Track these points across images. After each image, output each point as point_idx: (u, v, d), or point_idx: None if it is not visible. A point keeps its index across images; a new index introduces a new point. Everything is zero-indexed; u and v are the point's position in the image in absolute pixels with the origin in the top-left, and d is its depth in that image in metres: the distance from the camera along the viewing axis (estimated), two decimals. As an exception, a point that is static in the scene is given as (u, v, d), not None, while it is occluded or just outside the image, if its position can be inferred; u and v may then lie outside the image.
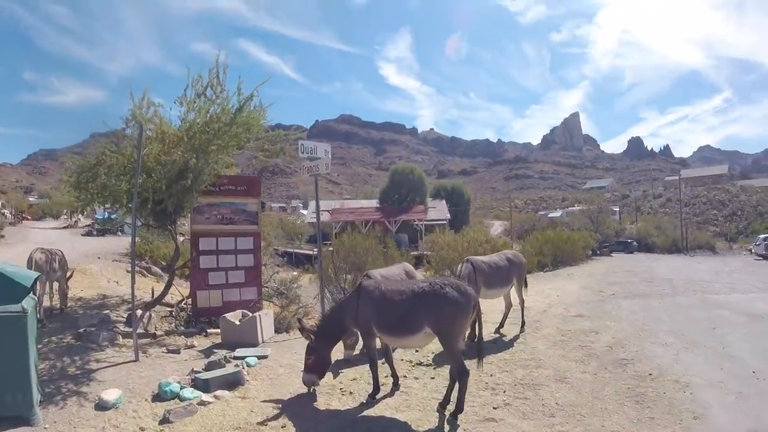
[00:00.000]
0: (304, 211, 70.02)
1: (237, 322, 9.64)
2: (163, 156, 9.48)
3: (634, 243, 52.09)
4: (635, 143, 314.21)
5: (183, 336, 10.01)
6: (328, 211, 49.94)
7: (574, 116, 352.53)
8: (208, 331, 10.46)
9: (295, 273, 17.04)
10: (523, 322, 10.86)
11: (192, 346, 9.23)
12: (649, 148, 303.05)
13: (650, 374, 7.58)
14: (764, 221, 67.80)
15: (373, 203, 58.05)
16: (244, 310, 10.30)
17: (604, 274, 24.97)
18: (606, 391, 6.91)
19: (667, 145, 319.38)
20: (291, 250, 41.01)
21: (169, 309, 11.60)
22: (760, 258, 36.87)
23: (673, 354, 8.80)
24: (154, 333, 9.84)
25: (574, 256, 31.95)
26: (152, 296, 11.45)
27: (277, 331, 10.93)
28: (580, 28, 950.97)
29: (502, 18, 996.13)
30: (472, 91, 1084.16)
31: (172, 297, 12.23)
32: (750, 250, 46.09)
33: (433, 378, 7.55)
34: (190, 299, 11.48)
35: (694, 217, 68.17)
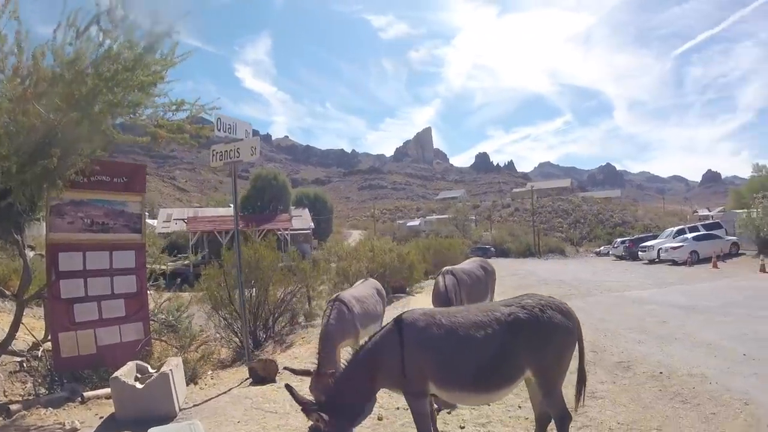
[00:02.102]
0: (153, 221, 65.00)
1: (137, 384, 6.29)
2: (20, 115, 5.89)
3: (492, 249, 56.34)
4: (482, 158, 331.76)
5: (50, 408, 6.51)
6: (183, 219, 46.12)
7: (427, 131, 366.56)
8: (85, 395, 6.95)
9: (168, 294, 13.80)
10: None
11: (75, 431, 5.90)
12: (495, 163, 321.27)
13: (660, 372, 7.37)
14: (605, 228, 79.58)
15: (232, 211, 54.26)
16: (140, 362, 6.98)
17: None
18: (644, 397, 6.42)
19: (512, 160, 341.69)
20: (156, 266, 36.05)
21: (19, 360, 8.08)
22: (618, 259, 41.72)
23: (657, 349, 8.80)
24: (7, 406, 6.31)
25: (456, 262, 30.82)
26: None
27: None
28: (438, 49, 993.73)
29: (364, 32, 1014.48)
30: (329, 101, 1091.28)
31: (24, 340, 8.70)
32: (597, 253, 56.67)
33: (463, 428, 5.54)
34: (49, 344, 7.89)
35: (541, 224, 74.14)
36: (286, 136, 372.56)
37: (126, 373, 6.38)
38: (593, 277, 24.71)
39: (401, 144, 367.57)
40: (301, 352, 9.49)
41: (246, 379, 7.83)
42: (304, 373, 5.21)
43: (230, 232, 40.38)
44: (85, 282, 7.71)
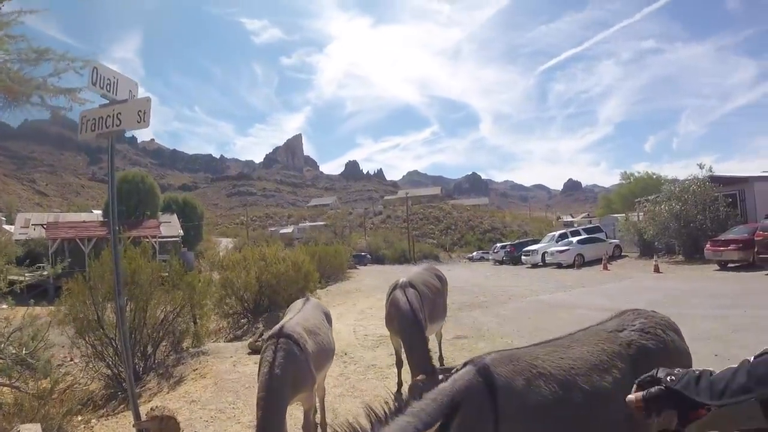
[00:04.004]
0: (9, 227, 58.94)
1: None
2: None
3: (368, 256, 55.95)
4: (352, 166, 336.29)
5: None
6: (42, 225, 41.52)
7: (297, 138, 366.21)
8: None
9: (4, 306, 11.09)
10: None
11: None
12: (365, 171, 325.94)
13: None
14: (475, 233, 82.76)
15: (95, 217, 49.98)
16: None
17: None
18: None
19: (381, 168, 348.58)
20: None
21: None
22: (498, 263, 42.38)
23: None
24: None
25: (342, 269, 31.75)
26: None
27: None
28: (310, 56, 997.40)
29: (237, 35, 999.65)
30: (197, 105, 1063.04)
31: None
32: (470, 258, 59.33)
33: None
34: None
35: (413, 231, 74.11)
36: (152, 140, 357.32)
37: None
38: (487, 282, 24.23)
39: (271, 150, 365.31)
40: (197, 392, 7.35)
41: (133, 442, 5.64)
42: None
43: (93, 239, 37.01)
44: None
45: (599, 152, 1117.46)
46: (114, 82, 5.51)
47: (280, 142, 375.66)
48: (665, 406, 1.44)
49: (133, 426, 5.64)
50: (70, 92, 5.74)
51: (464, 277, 27.72)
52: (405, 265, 49.01)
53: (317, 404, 5.54)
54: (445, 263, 52.78)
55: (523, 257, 35.62)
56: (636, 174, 51.96)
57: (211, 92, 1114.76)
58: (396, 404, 2.29)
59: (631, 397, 1.53)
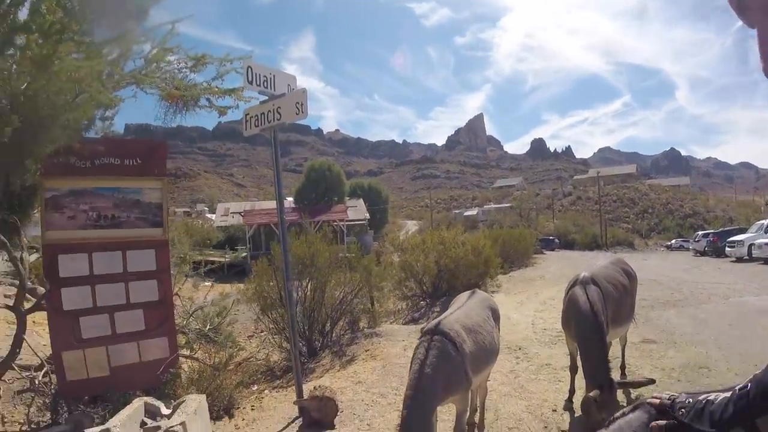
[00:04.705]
0: (211, 215, 65.69)
1: None
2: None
3: (556, 240, 53.58)
4: (538, 144, 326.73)
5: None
6: (239, 213, 45.80)
7: (478, 118, 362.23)
8: None
9: (209, 283, 12.22)
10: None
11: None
12: (552, 149, 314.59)
13: None
14: (675, 218, 72.82)
15: (288, 203, 53.49)
16: (150, 400, 5.04)
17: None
18: None
19: (569, 146, 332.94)
20: (200, 257, 35.64)
21: (28, 375, 6.45)
22: (698, 254, 36.99)
23: None
24: None
25: (527, 254, 30.28)
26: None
27: (213, 417, 5.94)
28: (484, 32, 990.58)
29: (407, 20, 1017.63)
30: (376, 93, 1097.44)
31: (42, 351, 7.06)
32: (668, 246, 53.07)
33: None
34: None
35: (605, 214, 68.73)
36: (337, 130, 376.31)
37: (125, 420, 4.49)
38: (686, 276, 20.70)
39: (453, 132, 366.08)
40: (365, 374, 7.50)
41: (295, 419, 5.96)
42: None
43: (287, 224, 39.62)
44: (92, 290, 6.02)
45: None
46: (270, 78, 5.81)
47: (462, 123, 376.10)
48: None
49: (294, 403, 5.96)
50: (233, 92, 6.16)
51: (661, 269, 24.52)
52: (596, 251, 46.10)
53: (477, 404, 5.19)
54: (640, 251, 49.44)
55: (726, 248, 30.67)
56: None
57: (389, 80, 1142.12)
58: None
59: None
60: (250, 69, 5.66)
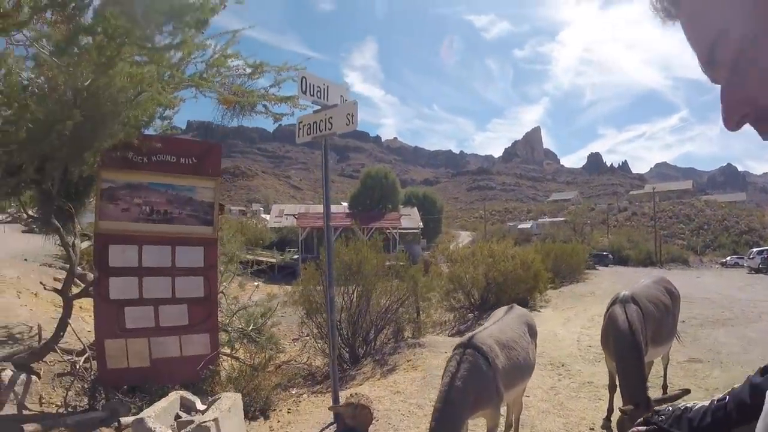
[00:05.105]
0: (266, 216, 66.46)
1: None
2: (37, 76, 4.47)
3: (610, 256, 52.15)
4: (594, 158, 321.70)
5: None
6: (293, 215, 46.25)
7: (536, 130, 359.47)
8: (123, 421, 5.21)
9: (256, 283, 12.41)
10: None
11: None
12: (608, 164, 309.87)
13: None
14: (730, 235, 71.80)
15: (342, 208, 53.80)
16: (186, 394, 5.20)
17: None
18: None
19: (625, 161, 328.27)
20: (251, 257, 36.19)
21: (70, 359, 6.64)
22: (753, 272, 36.66)
23: None
24: (21, 426, 4.69)
25: (579, 269, 29.54)
26: (39, 335, 6.58)
27: (248, 416, 6.02)
28: (543, 46, 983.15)
29: (466, 32, 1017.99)
30: (435, 103, 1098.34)
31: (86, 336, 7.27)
32: (722, 263, 51.99)
33: None
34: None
35: (661, 230, 67.00)
36: (395, 138, 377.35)
37: (160, 411, 4.60)
38: (741, 294, 20.17)
39: (509, 144, 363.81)
40: (404, 384, 7.47)
41: (330, 425, 5.99)
42: None
43: (339, 228, 39.60)
44: (140, 281, 6.23)
45: None
46: (324, 89, 5.92)
47: (519, 136, 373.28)
48: None
49: (329, 408, 6.00)
50: (289, 100, 6.29)
51: (714, 286, 24.10)
52: (650, 267, 45.25)
53: (512, 420, 5.20)
54: (694, 268, 48.02)
55: (781, 265, 29.52)
56: None
57: (448, 90, 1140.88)
58: None
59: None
60: (304, 79, 5.78)
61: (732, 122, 0.75)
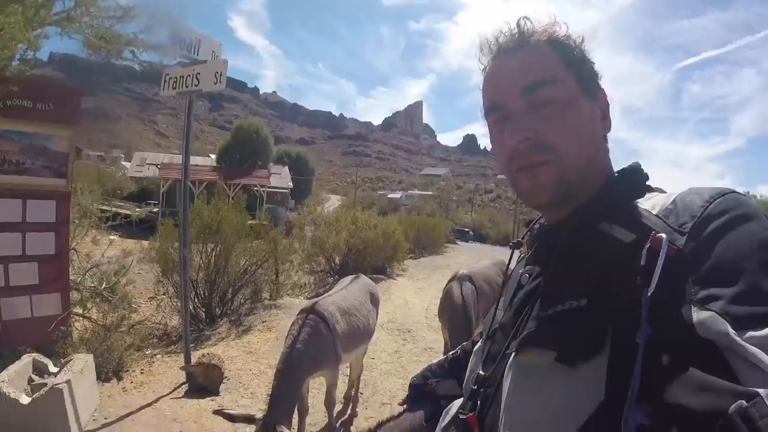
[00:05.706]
0: (126, 163, 61.96)
1: (22, 397, 4.29)
2: None
3: (471, 233, 55.56)
4: (469, 139, 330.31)
5: None
6: (156, 165, 43.59)
7: (418, 104, 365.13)
8: None
9: (112, 238, 12.01)
10: None
11: None
12: (482, 147, 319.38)
13: None
14: None
15: (210, 161, 51.99)
16: (38, 356, 5.08)
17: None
18: None
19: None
20: (107, 208, 33.95)
21: None
22: None
23: None
24: None
25: (439, 243, 30.70)
26: None
27: (101, 378, 5.91)
28: (438, 23, 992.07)
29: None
30: (321, 62, 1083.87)
31: None
32: None
33: None
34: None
35: (521, 215, 70.61)
36: (274, 92, 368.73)
37: (13, 375, 4.52)
38: None
39: (390, 114, 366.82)
40: (258, 345, 7.69)
41: (182, 384, 6.09)
42: (246, 419, 3.40)
43: (204, 182, 38.06)
44: (-13, 237, 5.89)
45: (726, 165, 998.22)
46: (196, 43, 5.79)
47: (401, 107, 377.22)
48: None
49: (181, 368, 6.11)
50: (160, 48, 6.11)
51: None
52: (507, 247, 47.53)
53: (354, 379, 5.63)
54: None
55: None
56: (759, 197, 46.83)
57: (336, 50, 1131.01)
58: None
59: None
60: (176, 29, 5.65)
61: None
